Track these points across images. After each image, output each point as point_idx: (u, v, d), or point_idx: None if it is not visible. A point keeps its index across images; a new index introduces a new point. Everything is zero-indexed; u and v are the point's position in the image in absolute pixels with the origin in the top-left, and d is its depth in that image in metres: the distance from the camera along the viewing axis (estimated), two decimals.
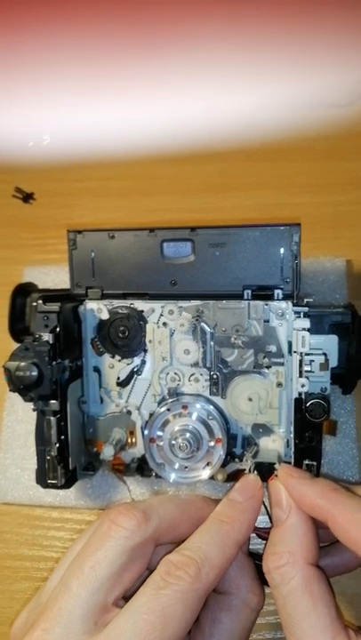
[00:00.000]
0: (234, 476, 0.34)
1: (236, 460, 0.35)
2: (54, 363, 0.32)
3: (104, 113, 0.52)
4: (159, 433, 0.34)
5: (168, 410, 0.34)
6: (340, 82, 0.50)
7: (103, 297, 0.35)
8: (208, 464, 0.34)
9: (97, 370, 0.36)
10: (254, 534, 0.28)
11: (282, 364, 0.33)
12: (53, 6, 0.51)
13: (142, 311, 0.35)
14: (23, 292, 0.39)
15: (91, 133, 0.51)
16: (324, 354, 0.31)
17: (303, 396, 0.31)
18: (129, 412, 0.36)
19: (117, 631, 0.22)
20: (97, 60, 0.52)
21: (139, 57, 0.52)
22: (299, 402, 0.31)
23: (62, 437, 0.33)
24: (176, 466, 0.34)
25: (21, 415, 0.43)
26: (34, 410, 0.33)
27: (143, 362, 0.35)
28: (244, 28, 0.51)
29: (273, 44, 0.51)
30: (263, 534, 0.28)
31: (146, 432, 0.34)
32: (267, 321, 0.33)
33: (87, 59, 0.52)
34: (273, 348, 0.33)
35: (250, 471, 0.30)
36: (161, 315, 0.34)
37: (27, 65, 0.52)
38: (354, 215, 0.46)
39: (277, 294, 0.33)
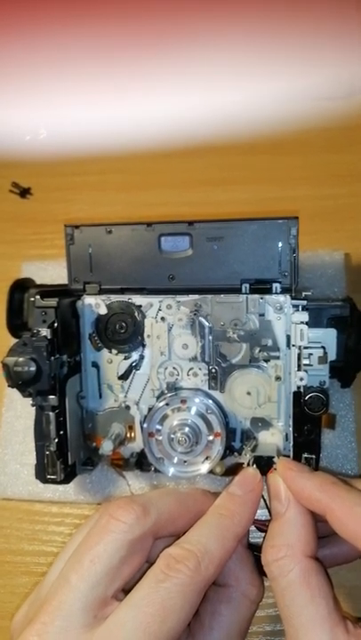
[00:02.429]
0: (233, 470, 0.34)
1: (235, 453, 0.35)
2: (52, 358, 0.32)
3: (102, 107, 0.52)
4: (158, 427, 0.34)
5: (167, 404, 0.34)
6: (337, 74, 0.50)
7: (101, 292, 0.35)
8: (207, 458, 0.34)
9: (95, 365, 0.36)
10: (254, 527, 0.28)
11: (278, 357, 0.33)
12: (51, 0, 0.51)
13: (140, 306, 0.35)
14: (21, 287, 0.39)
15: (88, 127, 0.51)
16: (323, 347, 0.31)
17: (302, 390, 0.31)
18: (128, 407, 0.36)
19: (117, 624, 0.22)
20: (95, 54, 0.52)
21: (137, 51, 0.51)
22: (297, 395, 0.31)
23: (61, 432, 0.33)
24: (175, 460, 0.34)
25: (20, 411, 0.43)
26: (32, 405, 0.33)
27: (142, 357, 0.35)
28: (242, 23, 0.51)
29: (271, 37, 0.50)
30: (262, 527, 0.28)
31: (145, 426, 0.34)
32: (262, 315, 0.33)
33: (85, 53, 0.51)
34: (269, 342, 0.33)
35: (249, 465, 0.30)
36: (159, 309, 0.34)
37: (23, 59, 0.52)
38: (353, 208, 0.46)
39: (276, 288, 0.33)
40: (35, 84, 0.52)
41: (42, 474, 0.33)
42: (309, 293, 0.32)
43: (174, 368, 0.35)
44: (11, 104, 0.52)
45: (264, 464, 0.31)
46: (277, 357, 0.33)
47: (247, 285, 0.33)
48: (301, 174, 0.48)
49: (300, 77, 0.50)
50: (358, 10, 0.50)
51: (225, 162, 0.49)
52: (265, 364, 0.34)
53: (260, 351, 0.33)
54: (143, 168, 0.50)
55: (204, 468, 0.34)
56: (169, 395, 0.34)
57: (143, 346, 0.35)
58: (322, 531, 0.27)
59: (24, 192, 0.51)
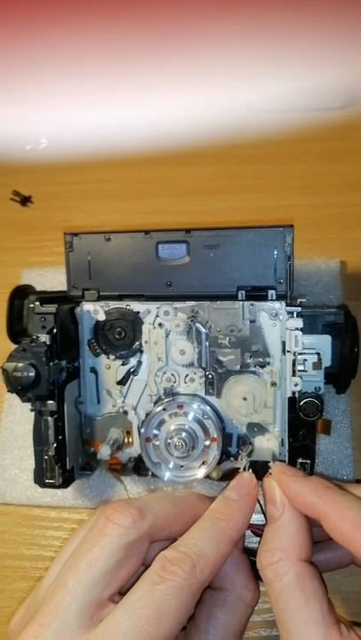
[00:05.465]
0: (229, 475, 0.35)
1: (231, 458, 0.35)
2: (51, 363, 0.32)
3: (101, 116, 0.53)
4: (155, 432, 0.35)
5: (164, 409, 0.34)
6: (334, 85, 0.51)
7: (99, 298, 0.35)
8: (203, 463, 0.34)
9: (94, 370, 0.36)
10: (249, 531, 0.28)
11: (268, 363, 0.34)
12: (49, 9, 0.52)
13: (138, 312, 0.35)
14: (21, 294, 0.40)
15: (87, 136, 0.52)
16: (318, 353, 0.32)
17: (297, 395, 0.32)
18: (125, 412, 0.36)
19: (113, 626, 0.23)
20: (93, 65, 0.52)
21: (134, 61, 0.52)
22: (292, 401, 0.32)
23: (60, 437, 0.33)
24: (172, 465, 0.35)
25: (20, 416, 0.43)
26: (31, 410, 0.33)
27: (139, 362, 0.36)
28: (239, 32, 0.52)
29: (268, 47, 0.51)
30: (258, 531, 0.28)
31: (142, 431, 0.35)
32: (253, 321, 0.33)
33: (84, 63, 0.52)
34: (259, 348, 0.34)
35: (245, 469, 0.31)
36: (157, 316, 0.35)
37: (23, 68, 0.53)
38: (348, 217, 0.47)
39: (271, 295, 0.33)
40: (35, 93, 0.53)
41: (40, 478, 0.34)
42: (304, 300, 0.33)
43: (172, 374, 0.35)
44: (11, 113, 0.53)
45: (260, 469, 0.31)
46: (265, 363, 0.34)
47: (243, 292, 0.33)
48: (298, 184, 0.49)
49: (298, 87, 0.51)
50: (355, 22, 0.51)
51: (222, 171, 0.50)
52: (261, 370, 0.34)
53: (248, 357, 0.34)
54: (141, 177, 0.51)
55: (201, 472, 0.34)
56: (166, 400, 0.35)
57: (141, 352, 0.36)
58: (317, 536, 0.27)
59: (25, 200, 0.52)
